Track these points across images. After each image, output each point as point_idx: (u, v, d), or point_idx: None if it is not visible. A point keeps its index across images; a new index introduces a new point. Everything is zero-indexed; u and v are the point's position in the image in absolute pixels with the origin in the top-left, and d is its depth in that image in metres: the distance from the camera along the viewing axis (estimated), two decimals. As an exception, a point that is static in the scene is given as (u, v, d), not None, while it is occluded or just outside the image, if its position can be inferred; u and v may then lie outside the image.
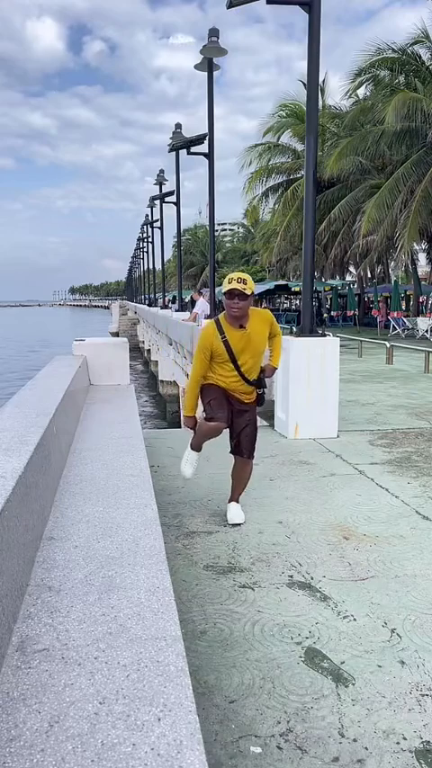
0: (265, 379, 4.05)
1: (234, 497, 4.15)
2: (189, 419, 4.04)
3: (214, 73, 12.37)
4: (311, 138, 6.45)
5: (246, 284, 3.64)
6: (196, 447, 4.10)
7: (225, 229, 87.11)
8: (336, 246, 27.48)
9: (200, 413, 4.03)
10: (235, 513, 4.05)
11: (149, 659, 1.61)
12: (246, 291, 3.63)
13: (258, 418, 7.46)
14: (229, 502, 4.15)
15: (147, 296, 42.00)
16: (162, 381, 23.04)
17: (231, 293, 3.66)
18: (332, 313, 29.93)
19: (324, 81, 28.92)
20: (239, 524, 3.98)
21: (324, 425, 6.39)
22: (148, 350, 33.42)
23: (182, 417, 4.01)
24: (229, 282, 3.66)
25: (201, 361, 3.87)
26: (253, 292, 3.70)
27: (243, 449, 4.03)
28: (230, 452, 4.10)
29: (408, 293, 30.07)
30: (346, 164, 23.25)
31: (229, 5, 6.66)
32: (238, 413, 3.99)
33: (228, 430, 4.02)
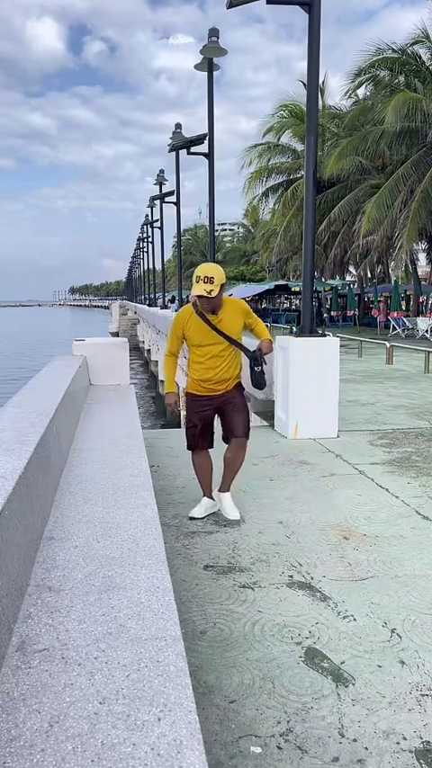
0: (265, 376, 4.09)
1: (225, 485, 4.11)
2: (169, 395, 4.11)
3: (214, 73, 12.38)
4: (311, 138, 6.45)
5: (213, 283, 3.68)
6: (205, 492, 4.20)
7: (225, 229, 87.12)
8: (336, 246, 27.47)
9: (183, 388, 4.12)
10: (230, 506, 4.04)
11: (149, 659, 1.61)
12: (212, 295, 3.68)
13: (258, 418, 7.48)
14: (221, 491, 4.11)
15: (147, 296, 42.00)
16: (162, 381, 23.03)
17: (200, 297, 3.73)
18: (332, 313, 29.93)
19: (324, 81, 28.94)
20: (237, 520, 3.98)
21: (324, 425, 6.39)
22: (148, 350, 33.43)
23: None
24: (197, 282, 3.70)
25: (172, 338, 4.01)
26: (223, 284, 3.75)
27: (236, 430, 4.01)
28: (222, 439, 4.11)
29: (408, 293, 30.07)
30: (346, 164, 23.25)
31: (230, 5, 6.66)
32: (223, 405, 4.02)
33: (219, 421, 4.11)
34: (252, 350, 4.02)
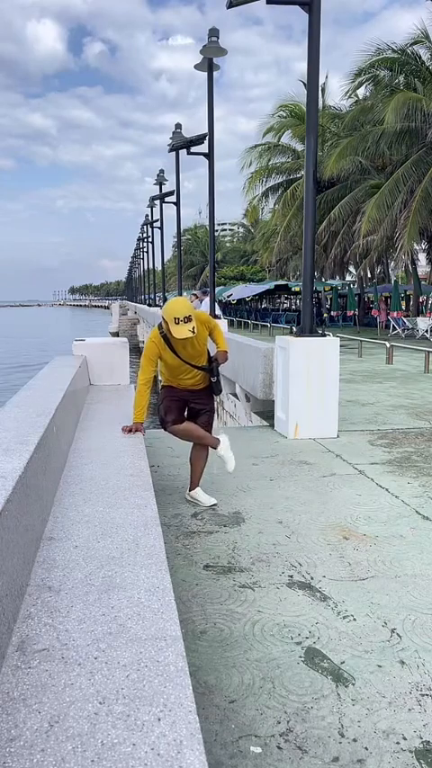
0: (219, 369, 4.27)
1: (197, 483, 4.39)
2: (137, 425, 4.26)
3: (214, 73, 12.37)
4: (311, 138, 6.45)
5: (191, 321, 3.76)
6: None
7: (225, 229, 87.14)
8: (336, 246, 27.44)
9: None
10: (205, 496, 4.33)
11: (149, 659, 1.61)
12: (195, 332, 3.79)
13: (258, 418, 7.47)
14: (193, 489, 4.38)
15: (147, 296, 41.99)
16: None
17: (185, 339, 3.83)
18: (332, 313, 29.92)
19: (324, 82, 28.94)
20: (215, 504, 4.24)
21: (324, 425, 6.38)
22: (148, 350, 33.33)
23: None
24: (176, 324, 3.73)
25: (147, 365, 4.12)
26: (194, 315, 3.85)
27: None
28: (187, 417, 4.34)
29: (408, 293, 30.05)
30: (346, 164, 23.24)
31: (229, 5, 6.66)
32: (196, 406, 4.28)
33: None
34: (209, 363, 4.21)
